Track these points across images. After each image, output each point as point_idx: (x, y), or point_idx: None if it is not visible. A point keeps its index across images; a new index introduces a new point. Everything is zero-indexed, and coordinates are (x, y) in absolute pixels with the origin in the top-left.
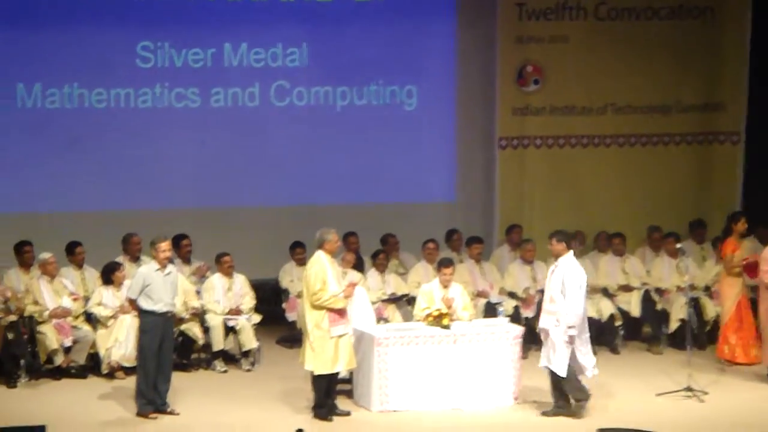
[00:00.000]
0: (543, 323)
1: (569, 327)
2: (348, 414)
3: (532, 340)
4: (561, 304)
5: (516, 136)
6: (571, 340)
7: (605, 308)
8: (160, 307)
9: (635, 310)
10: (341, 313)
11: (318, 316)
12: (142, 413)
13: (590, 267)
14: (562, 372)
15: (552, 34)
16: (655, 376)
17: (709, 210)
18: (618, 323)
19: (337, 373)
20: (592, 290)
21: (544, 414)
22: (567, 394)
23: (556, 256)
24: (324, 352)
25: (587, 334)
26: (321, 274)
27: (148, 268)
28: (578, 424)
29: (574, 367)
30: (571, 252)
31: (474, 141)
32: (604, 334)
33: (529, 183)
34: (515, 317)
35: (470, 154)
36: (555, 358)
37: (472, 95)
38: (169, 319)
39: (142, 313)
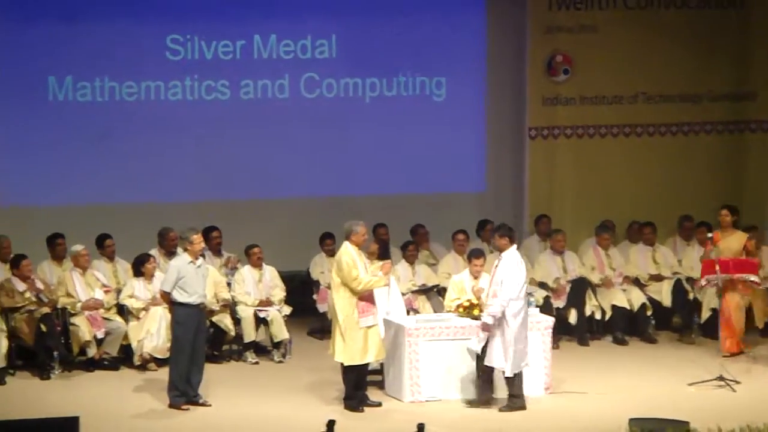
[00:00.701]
0: (486, 318)
1: (489, 314)
2: (379, 405)
3: (563, 330)
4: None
5: (546, 126)
6: (485, 327)
7: (636, 298)
8: (194, 299)
9: (666, 300)
10: (370, 303)
11: (348, 306)
12: (174, 405)
13: (620, 257)
14: (508, 371)
15: (582, 24)
16: (687, 365)
17: (739, 199)
18: (649, 313)
19: (368, 365)
20: (625, 280)
21: (501, 410)
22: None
23: (500, 250)
24: (354, 343)
25: (524, 335)
26: (351, 264)
27: (181, 260)
28: (610, 413)
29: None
30: (514, 246)
31: (504, 131)
32: (635, 324)
33: (559, 173)
34: (546, 307)
35: (500, 144)
36: (494, 354)
37: (501, 85)
38: (202, 311)
39: (176, 306)
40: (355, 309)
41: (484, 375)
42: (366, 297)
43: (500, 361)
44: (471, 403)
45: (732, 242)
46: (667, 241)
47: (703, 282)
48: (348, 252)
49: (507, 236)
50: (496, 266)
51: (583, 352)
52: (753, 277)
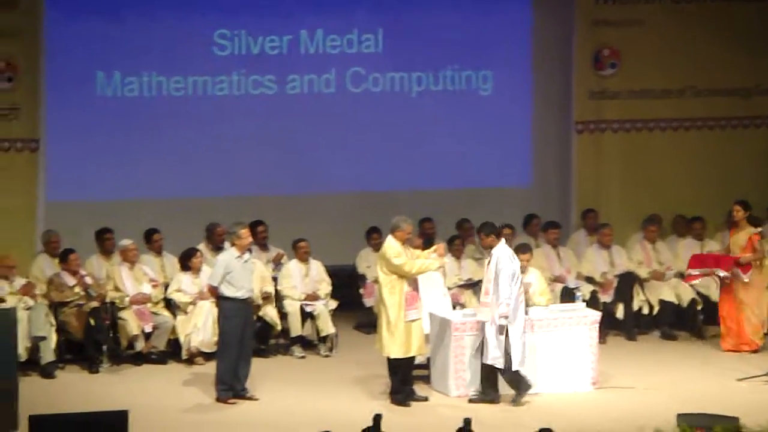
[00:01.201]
0: (480, 316)
1: (501, 316)
2: (426, 399)
3: (610, 324)
4: (493, 295)
5: (593, 120)
6: (502, 329)
7: (685, 293)
8: (242, 294)
9: (714, 295)
10: (416, 297)
11: (394, 300)
12: (221, 399)
13: (668, 251)
14: (499, 364)
15: (628, 18)
16: (736, 360)
17: None
18: (699, 308)
19: (413, 359)
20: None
21: (471, 401)
22: (494, 384)
23: (488, 248)
24: (399, 336)
25: (521, 328)
26: (398, 252)
27: (228, 255)
28: (658, 409)
29: (508, 359)
30: (503, 241)
31: (550, 125)
32: (683, 319)
33: (606, 167)
34: (593, 302)
35: (547, 138)
36: (490, 351)
37: (548, 80)
38: (250, 305)
39: (224, 300)
40: (403, 302)
41: (488, 373)
42: (411, 291)
43: (494, 358)
44: (473, 401)
45: (740, 238)
46: (716, 235)
47: (745, 278)
48: (392, 245)
49: (492, 233)
50: (488, 264)
51: (631, 347)
52: (721, 273)
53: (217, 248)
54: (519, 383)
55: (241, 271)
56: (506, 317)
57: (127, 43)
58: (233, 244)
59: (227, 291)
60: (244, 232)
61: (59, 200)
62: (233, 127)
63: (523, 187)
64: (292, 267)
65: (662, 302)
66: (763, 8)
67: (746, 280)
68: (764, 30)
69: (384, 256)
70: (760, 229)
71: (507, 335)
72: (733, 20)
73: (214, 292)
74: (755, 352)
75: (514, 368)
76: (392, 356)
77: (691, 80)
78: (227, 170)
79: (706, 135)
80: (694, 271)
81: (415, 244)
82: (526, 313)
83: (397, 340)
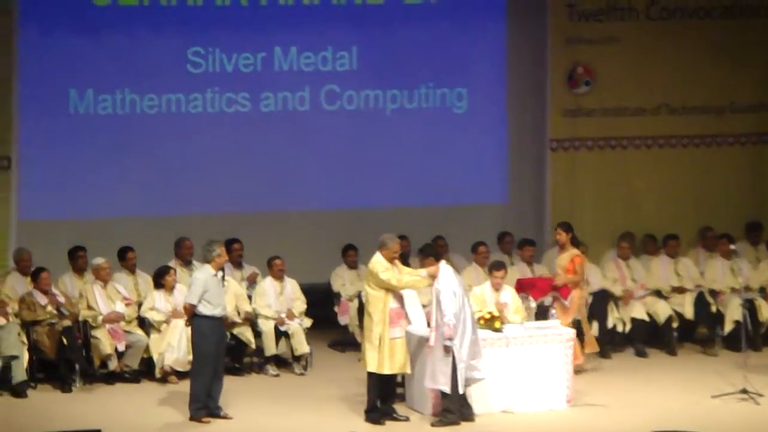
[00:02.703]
0: (431, 341)
1: (445, 337)
2: (406, 419)
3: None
4: (440, 318)
5: (567, 137)
6: (448, 350)
7: (662, 310)
8: (218, 312)
9: (689, 312)
10: (400, 315)
11: (379, 317)
12: (195, 418)
13: (642, 269)
14: (446, 388)
15: (603, 35)
16: (710, 377)
17: (764, 211)
18: (675, 325)
19: (395, 377)
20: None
21: (433, 425)
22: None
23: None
24: (381, 352)
25: (465, 349)
26: (386, 266)
27: (205, 272)
28: (632, 426)
29: (455, 382)
30: (443, 262)
31: (525, 143)
32: (659, 337)
33: (580, 185)
34: None
35: (521, 156)
36: (437, 376)
37: (522, 97)
38: (224, 323)
39: (200, 318)
40: (387, 319)
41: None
42: (398, 308)
43: (441, 382)
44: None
45: (563, 259)
46: (690, 253)
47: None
48: (380, 262)
49: (430, 256)
50: (433, 285)
51: (605, 364)
52: (533, 303)
53: (187, 263)
54: (461, 408)
55: (217, 289)
56: (451, 339)
57: (101, 61)
58: (209, 262)
59: (204, 309)
60: (222, 250)
61: (31, 218)
62: (207, 144)
63: (499, 204)
64: (267, 285)
65: (634, 320)
66: (737, 26)
67: (566, 303)
68: (738, 48)
69: (372, 271)
70: (578, 251)
71: (453, 357)
72: (708, 38)
73: (190, 310)
74: (576, 373)
75: (460, 391)
76: (371, 369)
77: (665, 98)
78: (201, 188)
79: (680, 153)
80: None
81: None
82: (502, 330)
83: (379, 355)
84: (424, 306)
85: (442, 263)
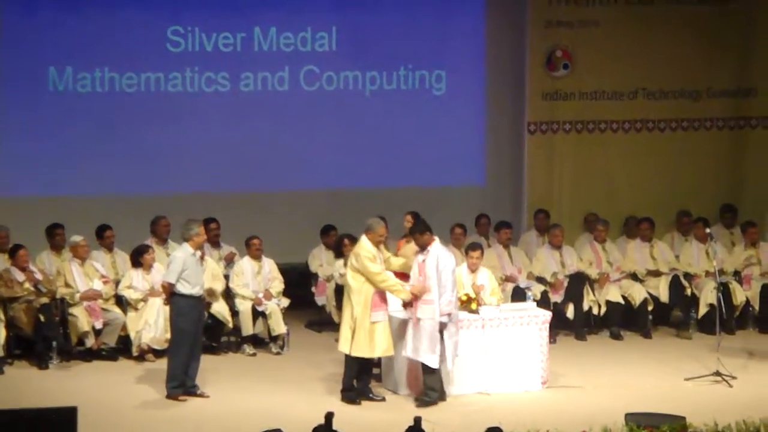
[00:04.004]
0: (421, 313)
1: (444, 314)
2: (383, 399)
3: (561, 324)
4: (436, 293)
5: (545, 121)
6: (443, 327)
7: (637, 293)
8: (196, 291)
9: (664, 296)
10: (383, 299)
11: (360, 299)
12: (172, 396)
13: (618, 252)
14: (435, 364)
15: (582, 19)
16: (684, 360)
17: (739, 195)
18: (650, 308)
19: (371, 359)
20: (623, 276)
21: (418, 404)
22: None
23: (424, 247)
24: (363, 336)
25: (455, 326)
26: (371, 257)
27: (183, 251)
28: (606, 408)
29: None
30: (437, 239)
31: (503, 126)
32: (634, 319)
33: (558, 168)
34: (543, 302)
35: (499, 138)
36: (425, 348)
37: (501, 80)
38: (202, 302)
39: (179, 297)
40: (369, 302)
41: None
42: (380, 292)
43: (430, 356)
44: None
45: (409, 250)
46: (665, 236)
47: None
48: (366, 247)
49: (427, 231)
50: (423, 261)
51: (581, 346)
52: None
53: (164, 241)
54: (441, 386)
55: (196, 268)
56: (449, 315)
57: (80, 39)
58: (188, 241)
59: (183, 288)
60: (201, 229)
61: (10, 195)
62: (186, 124)
63: (476, 187)
64: (245, 265)
65: (609, 303)
66: (715, 11)
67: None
68: (716, 33)
69: (358, 254)
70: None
71: (442, 333)
72: (686, 23)
73: (168, 288)
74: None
75: (449, 367)
76: (353, 354)
77: (642, 82)
78: (180, 167)
79: (657, 136)
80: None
81: (405, 253)
82: (478, 312)
83: (360, 338)
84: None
85: (437, 240)
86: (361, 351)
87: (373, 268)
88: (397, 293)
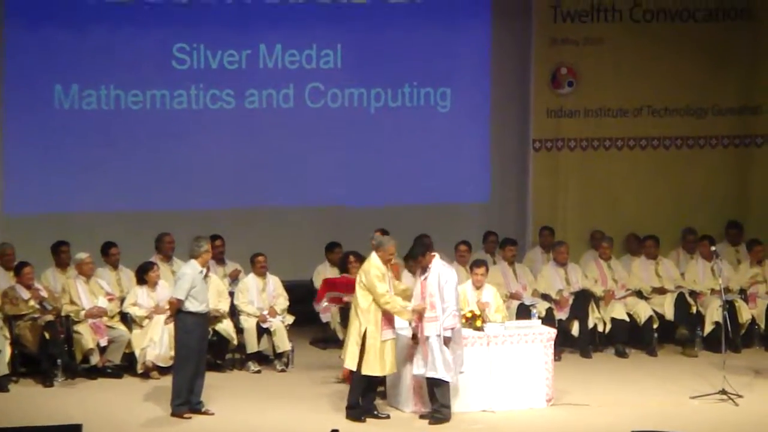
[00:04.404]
0: (428, 331)
1: (447, 328)
2: (387, 417)
3: (566, 341)
4: (440, 309)
5: (550, 138)
6: (447, 341)
7: (642, 310)
8: (203, 308)
9: (669, 313)
10: (391, 318)
11: (371, 317)
12: (177, 413)
13: (623, 269)
14: (448, 378)
15: (587, 36)
16: (690, 378)
17: (745, 213)
18: (655, 326)
19: (377, 377)
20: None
21: (430, 422)
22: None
23: (425, 267)
24: (372, 354)
25: (460, 339)
26: (380, 277)
27: (192, 268)
28: (611, 426)
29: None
30: (437, 255)
31: (508, 143)
32: (639, 337)
33: (563, 185)
34: (548, 319)
35: (504, 155)
36: (439, 365)
37: (506, 97)
38: (207, 320)
39: (185, 314)
40: (380, 321)
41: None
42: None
43: (443, 371)
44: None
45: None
46: (670, 254)
47: (323, 304)
48: (376, 265)
49: (427, 251)
50: (425, 279)
51: (586, 364)
52: (346, 297)
53: (168, 258)
54: (449, 396)
55: (202, 285)
56: (453, 329)
57: (86, 56)
58: (196, 258)
59: (191, 306)
60: (209, 246)
61: (16, 213)
62: (191, 141)
63: (481, 204)
64: (249, 282)
65: (614, 320)
66: (720, 29)
67: None
68: (721, 51)
69: (367, 272)
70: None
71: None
72: (691, 41)
73: (176, 305)
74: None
75: (454, 382)
76: (363, 372)
77: (647, 99)
78: (185, 184)
79: (661, 154)
80: (323, 303)
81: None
82: (483, 329)
83: (370, 356)
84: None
85: (437, 256)
86: (372, 369)
87: (380, 288)
88: (400, 314)
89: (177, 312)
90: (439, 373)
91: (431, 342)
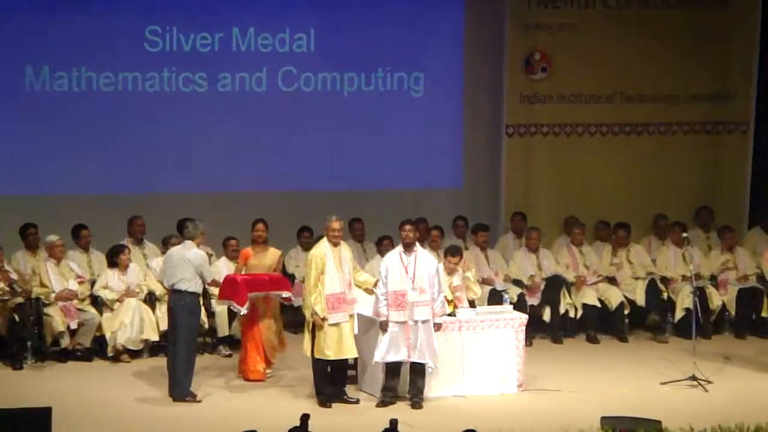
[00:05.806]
0: (420, 315)
1: (443, 315)
2: (357, 402)
3: (537, 327)
4: (430, 294)
5: (523, 123)
6: (439, 327)
7: (614, 296)
8: (200, 288)
9: (640, 299)
10: (341, 300)
11: (317, 301)
12: (190, 396)
13: (594, 255)
14: (432, 364)
15: (560, 22)
16: (660, 364)
17: (716, 200)
18: (626, 312)
19: (342, 361)
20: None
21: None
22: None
23: (410, 244)
24: (322, 338)
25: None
26: (319, 263)
27: (197, 251)
28: (582, 411)
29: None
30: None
31: (481, 128)
32: (611, 323)
33: (535, 171)
34: (520, 305)
35: (477, 141)
36: (426, 350)
37: (479, 82)
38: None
39: (191, 295)
40: (325, 304)
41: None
42: (336, 294)
43: (430, 357)
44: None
45: (265, 258)
46: (642, 240)
47: (243, 310)
48: (316, 253)
49: (416, 229)
50: (412, 263)
51: (557, 350)
52: (285, 294)
53: (139, 241)
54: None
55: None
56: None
57: (57, 38)
58: (193, 239)
59: (197, 287)
60: (204, 230)
61: None
62: (163, 124)
63: (453, 189)
64: (221, 265)
65: (585, 306)
66: (693, 16)
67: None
68: (694, 37)
69: (308, 261)
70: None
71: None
72: (664, 27)
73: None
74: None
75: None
76: (317, 356)
77: (620, 86)
78: (156, 167)
79: (634, 140)
80: (253, 295)
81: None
82: (454, 314)
83: (320, 340)
84: None
85: (418, 246)
86: (322, 354)
87: (308, 281)
88: (315, 316)
89: (184, 294)
90: (427, 359)
91: (420, 327)
